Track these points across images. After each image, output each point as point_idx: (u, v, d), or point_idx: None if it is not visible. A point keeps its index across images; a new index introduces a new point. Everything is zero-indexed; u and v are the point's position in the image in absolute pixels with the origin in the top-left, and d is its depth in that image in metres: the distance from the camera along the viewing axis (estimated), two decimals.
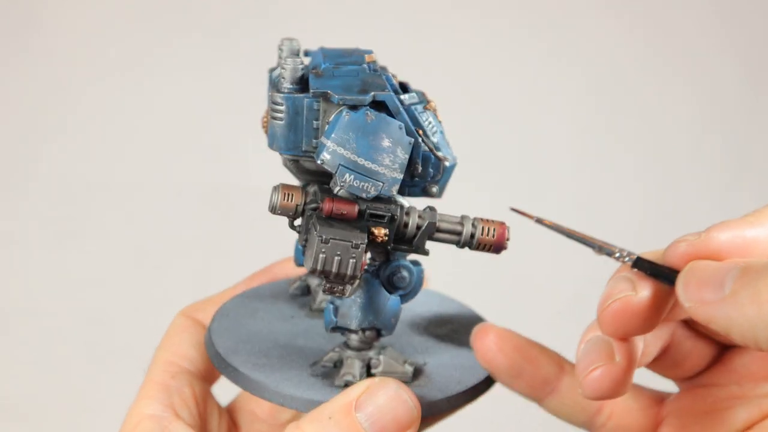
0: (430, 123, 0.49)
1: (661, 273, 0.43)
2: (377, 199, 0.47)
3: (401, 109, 0.47)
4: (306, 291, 0.59)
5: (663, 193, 1.19)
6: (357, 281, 0.46)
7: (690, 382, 0.52)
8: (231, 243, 1.12)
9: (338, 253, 0.45)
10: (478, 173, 1.15)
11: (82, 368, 1.09)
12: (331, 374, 0.50)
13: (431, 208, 0.48)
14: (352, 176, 0.46)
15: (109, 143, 1.12)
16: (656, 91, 1.20)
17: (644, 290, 0.43)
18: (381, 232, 0.47)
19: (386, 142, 0.46)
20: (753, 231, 0.42)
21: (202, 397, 0.55)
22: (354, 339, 0.50)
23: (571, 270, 1.15)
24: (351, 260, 0.45)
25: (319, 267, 0.45)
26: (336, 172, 0.46)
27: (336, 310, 0.50)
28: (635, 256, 0.44)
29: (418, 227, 0.48)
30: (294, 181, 0.52)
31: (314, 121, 0.48)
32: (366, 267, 0.50)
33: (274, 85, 0.50)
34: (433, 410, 0.49)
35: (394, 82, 0.51)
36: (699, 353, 0.50)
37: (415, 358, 0.53)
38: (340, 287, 0.46)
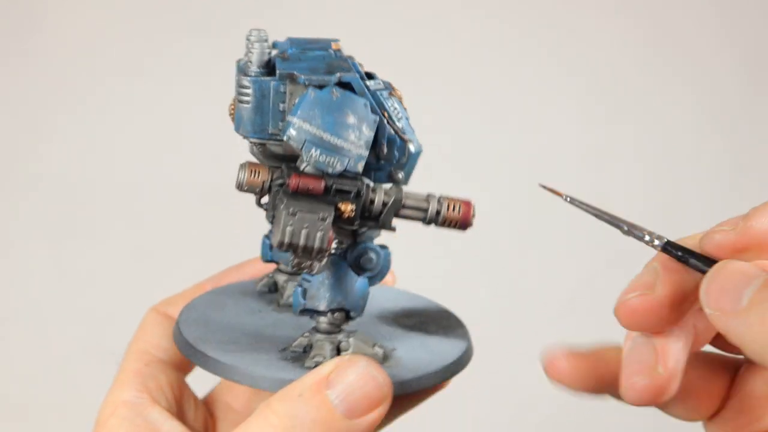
0: (395, 108, 0.49)
1: (692, 260, 0.43)
2: (343, 176, 0.47)
3: (366, 91, 0.48)
4: (273, 288, 0.59)
5: (663, 193, 1.19)
6: (325, 257, 0.47)
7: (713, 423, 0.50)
8: (231, 243, 1.12)
9: (306, 225, 0.46)
10: (479, 173, 1.15)
11: (82, 368, 1.09)
12: (301, 358, 0.50)
13: (397, 186, 0.49)
14: (318, 151, 0.46)
15: (109, 143, 1.12)
16: (656, 90, 1.20)
17: (665, 287, 0.43)
18: (348, 207, 0.47)
19: (351, 119, 0.47)
20: None
21: (177, 385, 0.55)
22: (323, 322, 0.50)
23: (567, 271, 1.15)
24: (318, 233, 0.46)
25: (286, 240, 0.46)
26: (302, 148, 0.46)
27: (304, 292, 0.50)
28: (665, 240, 0.44)
29: (384, 204, 0.48)
30: None
31: (280, 104, 0.49)
32: (333, 250, 0.50)
33: (241, 70, 0.51)
34: (405, 388, 0.49)
35: (361, 69, 0.52)
36: (712, 385, 0.49)
37: (384, 343, 0.53)
38: (308, 263, 0.47)
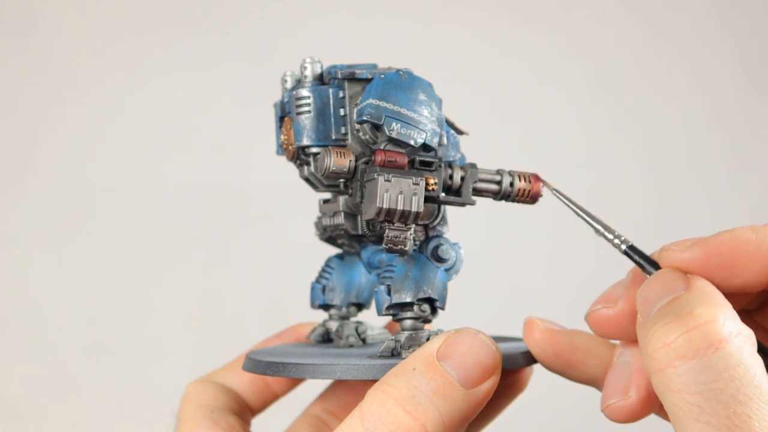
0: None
1: (649, 267, 0.45)
2: (423, 150, 0.49)
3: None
4: (327, 337, 0.58)
5: (663, 192, 1.19)
6: (412, 233, 0.47)
7: None
8: (231, 243, 1.12)
9: (401, 190, 0.47)
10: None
11: (82, 368, 1.09)
12: (400, 353, 0.50)
13: (471, 164, 0.51)
14: (399, 125, 0.47)
15: (109, 143, 1.12)
16: (656, 89, 1.20)
17: (627, 302, 0.45)
18: (432, 180, 0.48)
19: (422, 96, 0.49)
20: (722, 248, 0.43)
21: (245, 429, 0.55)
22: (409, 318, 0.50)
23: (567, 271, 1.15)
24: (414, 196, 0.47)
25: (385, 205, 0.46)
26: (383, 123, 0.47)
27: (388, 289, 0.50)
28: (629, 244, 0.46)
29: (462, 178, 0.50)
30: (316, 194, 0.53)
31: (341, 109, 0.50)
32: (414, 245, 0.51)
33: (287, 102, 0.52)
34: (511, 362, 0.49)
35: None
36: None
37: None
38: (402, 236, 0.47)
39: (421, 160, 0.48)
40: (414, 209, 0.47)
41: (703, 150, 1.20)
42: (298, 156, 0.51)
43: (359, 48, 1.15)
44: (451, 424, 0.43)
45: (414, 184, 0.47)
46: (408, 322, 0.50)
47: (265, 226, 1.12)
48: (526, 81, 1.18)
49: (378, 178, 0.47)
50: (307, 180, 0.53)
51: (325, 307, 0.58)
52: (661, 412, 0.49)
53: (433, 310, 0.50)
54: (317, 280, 0.58)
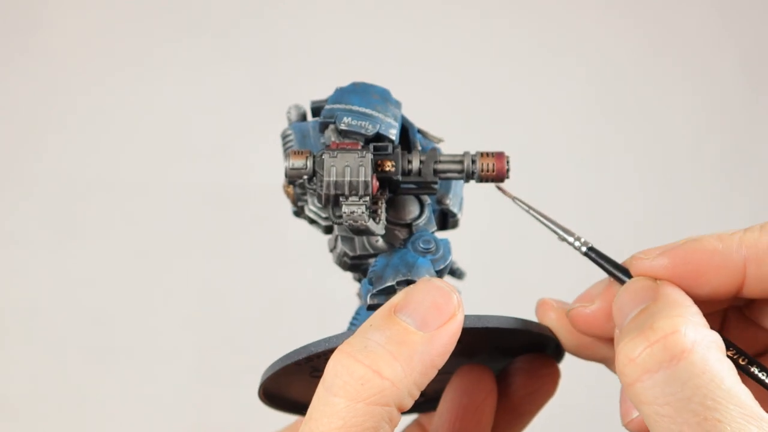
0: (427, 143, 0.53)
1: (615, 271, 0.46)
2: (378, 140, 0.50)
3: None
4: None
5: (663, 192, 1.19)
6: (376, 218, 0.48)
7: None
8: (231, 242, 1.12)
9: (347, 163, 0.48)
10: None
11: (82, 368, 1.09)
12: None
13: (432, 149, 0.52)
14: (350, 118, 0.50)
15: (109, 143, 1.12)
16: (656, 90, 1.20)
17: (602, 302, 0.46)
18: (388, 162, 0.50)
19: (375, 96, 0.51)
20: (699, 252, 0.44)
21: None
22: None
23: (567, 271, 1.15)
24: (360, 167, 0.47)
25: (332, 178, 0.47)
26: (335, 120, 0.50)
27: (371, 280, 0.50)
28: (589, 245, 0.47)
29: (421, 162, 0.50)
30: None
31: (321, 138, 0.52)
32: (399, 243, 0.51)
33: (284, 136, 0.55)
34: (482, 321, 0.48)
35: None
36: None
37: None
38: (359, 210, 0.47)
39: (375, 145, 0.50)
40: (362, 178, 0.47)
41: (703, 150, 1.20)
42: (298, 198, 0.53)
43: (359, 48, 1.15)
44: (410, 368, 0.42)
45: (360, 157, 0.48)
46: None
47: (265, 226, 1.12)
48: (526, 81, 1.18)
49: (324, 157, 0.48)
50: (311, 222, 0.54)
51: None
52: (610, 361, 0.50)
53: None
54: (349, 329, 0.59)
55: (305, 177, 0.49)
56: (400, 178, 0.50)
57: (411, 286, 0.46)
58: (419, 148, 0.52)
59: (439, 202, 0.54)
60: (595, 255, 0.47)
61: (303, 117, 0.54)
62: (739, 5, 1.21)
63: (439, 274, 0.51)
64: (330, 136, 0.51)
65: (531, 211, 0.50)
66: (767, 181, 1.20)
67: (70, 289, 1.10)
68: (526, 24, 1.19)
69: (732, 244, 0.44)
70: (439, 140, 0.53)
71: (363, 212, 0.47)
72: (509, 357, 0.56)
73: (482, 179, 0.51)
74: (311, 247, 1.13)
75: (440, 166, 0.50)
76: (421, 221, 0.52)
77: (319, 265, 1.03)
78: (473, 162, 0.50)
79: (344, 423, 0.41)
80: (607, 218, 1.15)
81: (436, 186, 0.51)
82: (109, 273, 1.10)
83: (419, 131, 0.53)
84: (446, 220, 0.55)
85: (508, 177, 0.51)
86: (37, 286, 1.10)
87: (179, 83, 1.13)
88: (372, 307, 0.50)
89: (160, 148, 1.12)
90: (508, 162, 0.51)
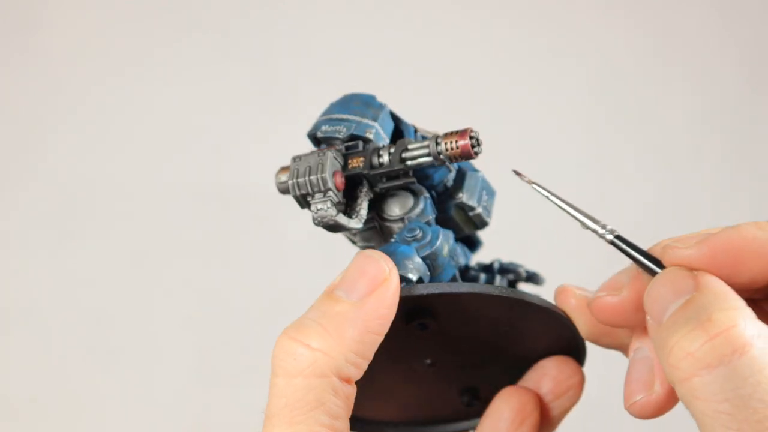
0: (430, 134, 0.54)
1: (640, 258, 0.44)
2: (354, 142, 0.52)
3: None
4: None
5: (663, 192, 1.19)
6: (351, 213, 0.49)
7: None
8: (231, 242, 1.12)
9: (309, 164, 0.50)
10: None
11: (82, 368, 1.09)
12: None
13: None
14: (327, 125, 0.52)
15: (109, 143, 1.12)
16: (657, 90, 1.20)
17: (631, 291, 0.45)
18: (356, 159, 0.51)
19: (356, 102, 0.53)
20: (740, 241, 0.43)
21: None
22: None
23: (567, 270, 1.15)
24: (319, 165, 0.50)
25: (294, 179, 0.50)
26: (315, 130, 0.52)
27: None
28: (615, 234, 0.46)
29: (390, 153, 0.51)
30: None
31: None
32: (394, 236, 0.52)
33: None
34: (412, 290, 0.47)
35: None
36: None
37: None
38: (325, 207, 0.49)
39: (346, 145, 0.52)
40: (320, 174, 0.49)
41: (703, 150, 1.20)
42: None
43: (359, 48, 1.15)
44: (341, 336, 0.43)
45: (320, 156, 0.50)
46: None
47: (265, 226, 1.12)
48: (526, 81, 1.18)
49: (291, 163, 0.50)
50: (350, 239, 0.56)
51: None
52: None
53: (404, 280, 0.50)
54: None
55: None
56: (368, 172, 0.51)
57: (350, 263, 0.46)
58: None
59: (452, 197, 0.55)
60: (622, 243, 0.46)
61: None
62: (739, 5, 1.21)
63: (425, 260, 0.51)
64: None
65: (552, 198, 0.49)
66: (767, 181, 1.21)
67: (70, 289, 1.10)
68: (526, 24, 1.19)
69: None
70: (435, 137, 0.52)
71: (329, 207, 0.49)
72: (533, 359, 0.56)
73: (450, 159, 0.51)
74: (311, 247, 1.13)
75: (407, 153, 0.51)
76: (414, 213, 0.52)
77: (319, 265, 1.03)
78: (437, 143, 0.51)
79: (287, 400, 0.42)
80: (607, 218, 1.15)
81: (410, 175, 0.51)
82: (108, 273, 1.10)
83: (417, 130, 0.54)
84: (468, 216, 0.56)
85: (476, 153, 0.51)
86: (37, 286, 1.10)
87: (179, 83, 1.13)
88: None
89: (160, 148, 1.12)
90: (473, 137, 0.51)
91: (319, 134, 0.52)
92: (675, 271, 0.42)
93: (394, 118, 0.54)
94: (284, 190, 0.52)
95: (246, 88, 1.12)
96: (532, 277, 0.60)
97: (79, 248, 1.10)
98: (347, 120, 0.52)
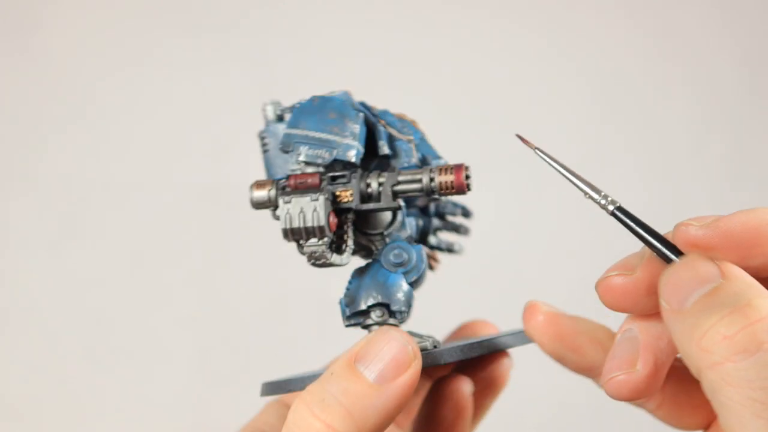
0: (401, 124, 0.53)
1: (642, 232, 0.43)
2: (337, 167, 0.50)
3: (357, 104, 0.52)
4: None
5: (663, 192, 1.19)
6: (342, 251, 0.49)
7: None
8: (231, 242, 1.12)
9: (301, 208, 0.48)
10: (480, 173, 1.15)
11: (82, 368, 1.09)
12: None
13: (392, 169, 0.52)
14: (306, 147, 0.50)
15: (109, 143, 1.12)
16: (657, 90, 1.20)
17: (645, 272, 0.43)
18: (346, 192, 0.50)
19: (333, 115, 0.51)
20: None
21: None
22: (371, 323, 0.51)
23: (566, 270, 1.15)
24: (313, 212, 0.48)
25: (287, 225, 0.49)
26: (292, 150, 0.50)
27: (346, 299, 0.52)
28: (617, 205, 0.45)
29: (380, 184, 0.50)
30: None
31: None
32: (373, 256, 0.52)
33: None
34: (446, 357, 0.49)
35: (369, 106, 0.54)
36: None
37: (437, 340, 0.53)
38: (319, 250, 0.48)
39: (331, 176, 0.50)
40: (316, 224, 0.48)
41: (703, 150, 1.20)
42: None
43: (359, 48, 1.15)
44: (364, 421, 0.43)
45: (312, 200, 0.48)
46: (374, 328, 0.51)
47: (265, 226, 1.12)
48: (526, 81, 1.18)
49: (279, 202, 0.49)
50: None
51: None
52: (662, 406, 0.49)
53: (392, 314, 0.51)
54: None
55: (271, 208, 0.51)
56: (360, 207, 0.50)
57: (372, 334, 0.46)
58: (386, 151, 0.51)
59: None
60: (623, 215, 0.45)
61: (281, 116, 0.54)
62: (739, 5, 1.21)
63: (413, 285, 0.51)
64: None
65: (554, 164, 0.48)
66: (767, 181, 1.21)
67: (70, 289, 1.10)
68: (526, 24, 1.19)
69: None
70: (409, 140, 0.52)
71: (324, 251, 0.49)
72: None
73: (443, 194, 0.50)
74: None
75: (399, 188, 0.50)
76: (394, 228, 0.52)
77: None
78: (431, 179, 0.50)
79: None
80: (607, 218, 1.15)
81: (399, 207, 0.51)
82: (108, 273, 1.10)
83: (388, 124, 0.52)
84: (429, 198, 0.55)
85: (469, 189, 0.50)
86: (37, 286, 1.10)
87: (179, 83, 1.13)
88: (351, 324, 0.52)
89: (159, 148, 1.12)
90: (467, 173, 0.50)
91: (300, 158, 0.50)
92: (697, 258, 0.41)
93: (365, 115, 0.52)
94: (259, 205, 0.51)
95: (246, 88, 1.12)
96: (459, 228, 0.60)
97: (79, 248, 1.10)
98: (327, 141, 0.50)
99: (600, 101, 1.19)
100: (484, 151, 1.13)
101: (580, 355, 0.50)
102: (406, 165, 0.52)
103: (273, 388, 0.52)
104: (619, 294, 0.44)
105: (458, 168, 0.50)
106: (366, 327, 0.52)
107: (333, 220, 0.49)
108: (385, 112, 0.53)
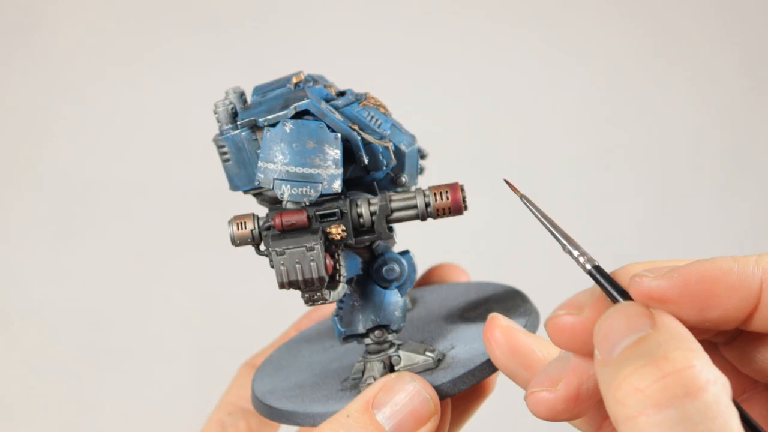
0: (371, 117, 0.50)
1: (614, 292, 0.41)
2: (324, 200, 0.48)
3: (327, 112, 0.48)
4: None
5: (663, 193, 1.19)
6: (336, 284, 0.47)
7: None
8: (230, 243, 1.12)
9: (297, 261, 0.46)
10: (480, 174, 1.15)
11: (81, 368, 1.09)
12: (359, 384, 0.51)
13: (382, 194, 0.49)
14: (289, 185, 0.47)
15: (108, 143, 1.12)
16: (657, 90, 1.20)
17: (593, 312, 0.41)
18: (338, 229, 0.47)
19: (311, 144, 0.47)
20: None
21: (258, 429, 0.56)
22: (370, 343, 0.51)
23: (565, 274, 1.15)
24: (311, 263, 0.46)
25: (284, 279, 0.46)
26: (273, 188, 0.47)
27: (341, 320, 0.51)
28: (594, 264, 0.42)
29: (372, 213, 0.48)
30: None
31: (258, 151, 0.49)
32: (358, 273, 0.51)
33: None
34: (459, 386, 0.48)
35: (328, 91, 0.51)
36: None
37: (443, 345, 0.53)
38: (318, 294, 0.47)
39: (320, 214, 0.47)
40: (315, 275, 0.46)
41: (703, 150, 1.20)
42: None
43: (359, 48, 1.15)
44: None
45: (308, 250, 0.46)
46: (371, 347, 0.51)
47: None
48: (526, 81, 1.18)
49: (272, 254, 0.46)
50: (261, 204, 0.53)
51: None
52: (583, 425, 0.47)
53: (390, 332, 0.51)
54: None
55: (255, 246, 0.48)
56: (353, 242, 0.48)
57: (392, 381, 0.46)
58: (365, 162, 0.49)
59: (394, 182, 0.52)
60: (598, 275, 0.42)
61: (234, 114, 0.51)
62: (739, 5, 1.21)
63: (402, 289, 0.51)
64: (262, 142, 0.48)
65: (538, 215, 0.45)
66: (767, 181, 1.20)
67: (70, 289, 1.10)
68: (526, 24, 1.19)
69: (748, 265, 0.40)
70: (385, 145, 0.50)
71: (321, 295, 0.47)
72: None
73: (439, 215, 0.48)
74: None
75: (395, 216, 0.49)
76: (379, 242, 0.51)
77: None
78: (427, 205, 0.48)
79: None
80: (607, 218, 1.15)
81: (394, 240, 0.50)
82: (108, 273, 1.10)
83: (362, 129, 0.49)
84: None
85: (466, 208, 0.48)
86: (37, 286, 1.10)
87: (178, 83, 1.13)
88: (347, 340, 0.51)
89: (159, 148, 1.12)
90: (463, 192, 0.48)
91: (285, 197, 0.47)
92: (631, 306, 0.39)
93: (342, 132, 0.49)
94: (241, 243, 0.49)
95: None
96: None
97: (79, 247, 1.10)
98: (311, 177, 0.47)
99: (600, 101, 1.19)
100: (484, 151, 1.13)
101: (532, 374, 0.48)
102: (385, 167, 0.50)
103: (275, 414, 0.51)
104: (567, 334, 0.42)
105: (453, 188, 0.48)
106: (361, 341, 0.51)
107: (329, 263, 0.47)
108: (356, 111, 0.50)
